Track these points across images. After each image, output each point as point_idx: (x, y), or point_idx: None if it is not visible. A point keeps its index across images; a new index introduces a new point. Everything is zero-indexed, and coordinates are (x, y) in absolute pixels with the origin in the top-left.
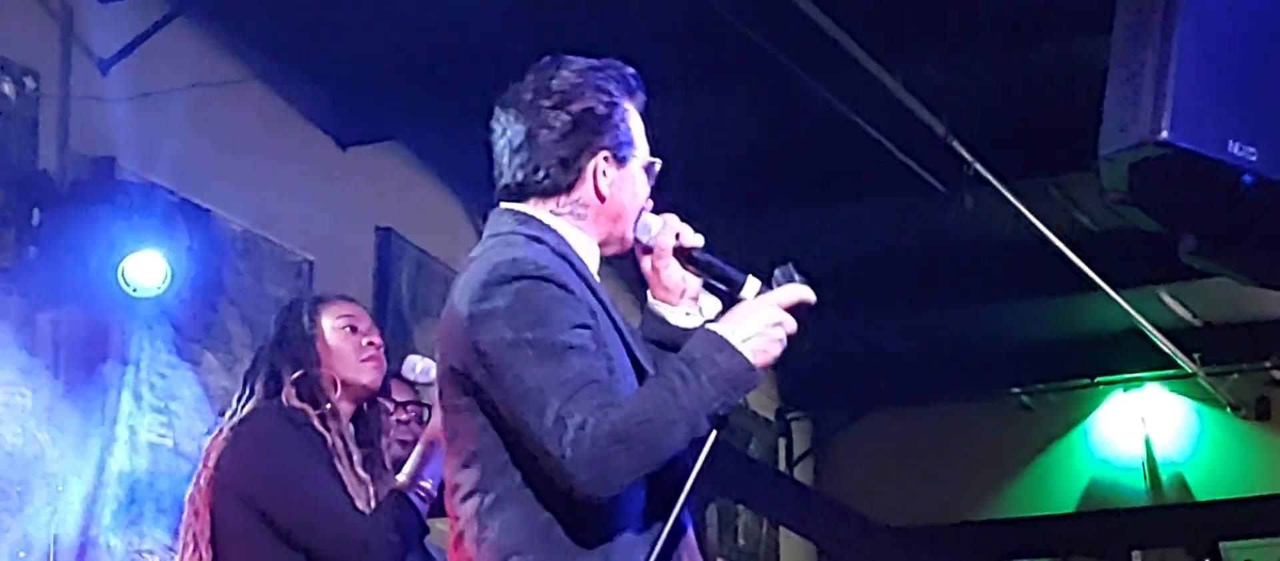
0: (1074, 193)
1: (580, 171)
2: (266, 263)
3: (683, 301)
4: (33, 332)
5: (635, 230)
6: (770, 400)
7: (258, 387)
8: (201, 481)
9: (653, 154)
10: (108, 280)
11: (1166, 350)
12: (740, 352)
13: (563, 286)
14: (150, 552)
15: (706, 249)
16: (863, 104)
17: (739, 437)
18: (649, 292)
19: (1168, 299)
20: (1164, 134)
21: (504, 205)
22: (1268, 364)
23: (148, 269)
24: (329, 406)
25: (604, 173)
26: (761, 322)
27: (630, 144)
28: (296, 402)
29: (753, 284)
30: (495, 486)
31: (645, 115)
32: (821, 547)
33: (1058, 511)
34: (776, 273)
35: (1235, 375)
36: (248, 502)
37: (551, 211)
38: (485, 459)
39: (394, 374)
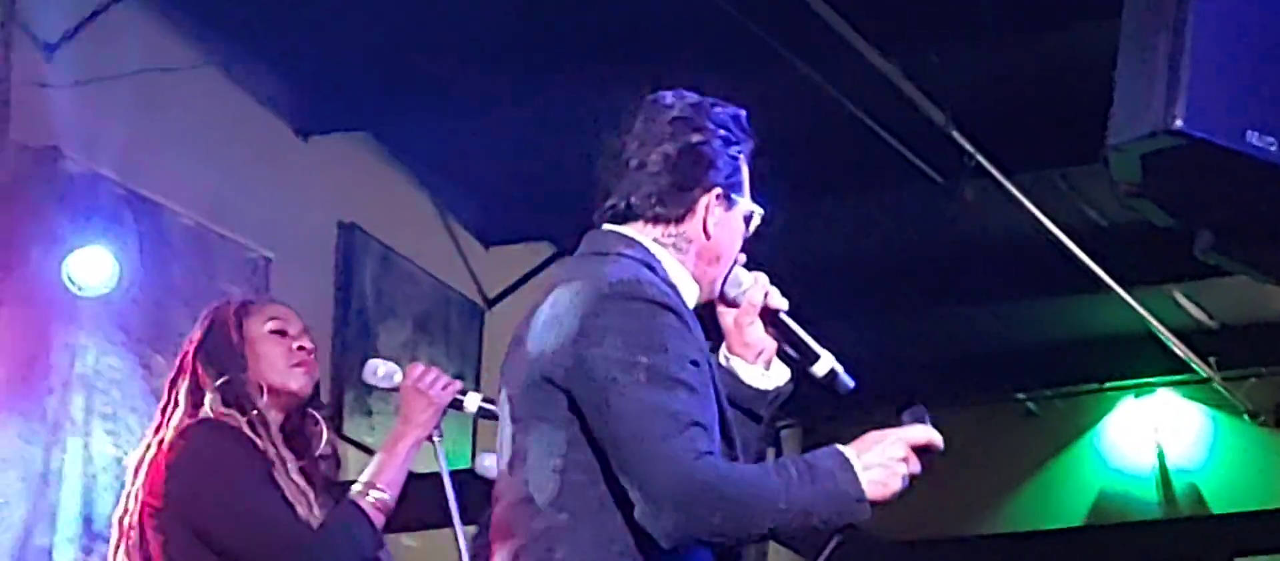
0: (1082, 186)
1: (691, 204)
2: (221, 259)
3: (758, 361)
4: None
5: (727, 285)
6: None
7: (181, 397)
8: (131, 503)
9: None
10: (50, 279)
11: (1180, 353)
12: (857, 479)
13: (680, 317)
14: None
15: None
16: (858, 91)
17: None
18: (723, 346)
19: (1182, 299)
20: (1178, 123)
21: (607, 226)
22: None
23: (94, 266)
24: (256, 413)
25: (713, 210)
26: (887, 456)
27: (741, 187)
28: (221, 409)
29: (827, 360)
30: (571, 506)
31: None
32: None
33: (1064, 524)
34: (905, 415)
35: (1253, 379)
36: (185, 524)
37: (655, 240)
38: (567, 476)
39: (356, 380)
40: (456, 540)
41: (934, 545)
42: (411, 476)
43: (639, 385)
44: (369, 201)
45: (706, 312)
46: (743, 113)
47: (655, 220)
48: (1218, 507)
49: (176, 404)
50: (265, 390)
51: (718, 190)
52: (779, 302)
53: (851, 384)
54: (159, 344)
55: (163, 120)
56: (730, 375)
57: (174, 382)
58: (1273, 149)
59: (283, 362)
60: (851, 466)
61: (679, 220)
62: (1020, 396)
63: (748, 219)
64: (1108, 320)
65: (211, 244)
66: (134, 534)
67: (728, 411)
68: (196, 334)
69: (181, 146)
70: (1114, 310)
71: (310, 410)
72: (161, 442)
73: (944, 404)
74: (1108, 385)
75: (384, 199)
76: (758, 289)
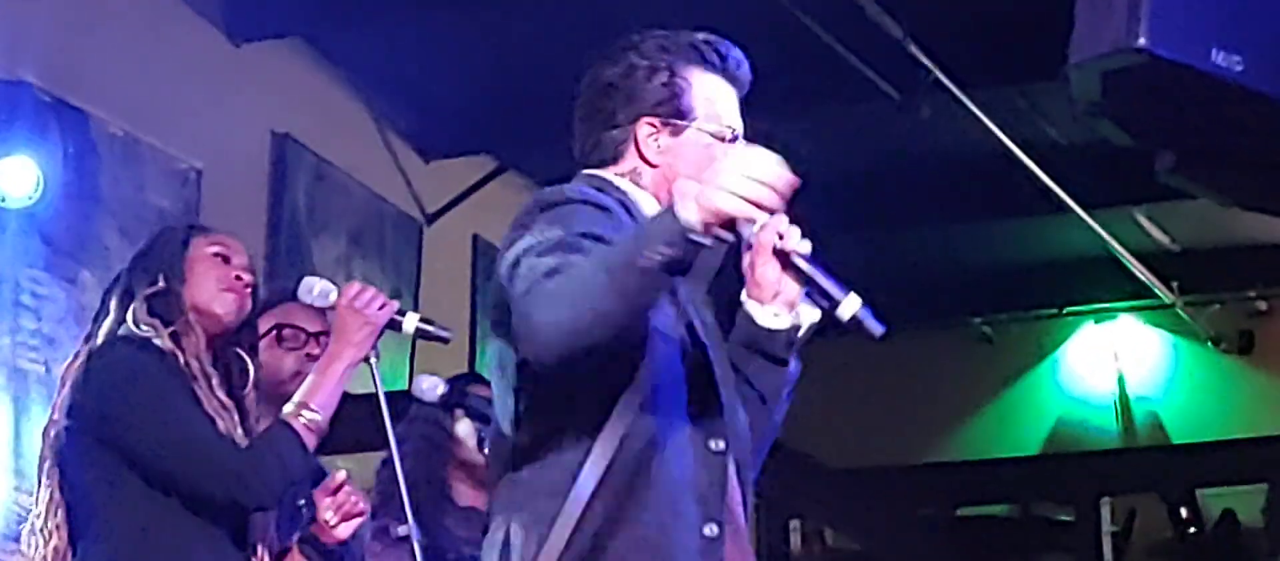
0: (1042, 103)
1: (624, 141)
2: (149, 170)
3: (774, 302)
4: None
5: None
6: None
7: (113, 305)
8: (56, 414)
9: (564, 60)
10: None
11: (1142, 277)
12: (670, 208)
13: (599, 206)
14: (16, 489)
15: (812, 257)
16: (809, 2)
17: None
18: (743, 291)
19: (1143, 221)
20: (1141, 40)
21: (583, 171)
22: (1251, 293)
23: (16, 176)
24: (181, 324)
25: (648, 141)
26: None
27: (683, 111)
28: (145, 318)
29: (852, 301)
30: (523, 435)
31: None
32: (760, 492)
33: (1020, 453)
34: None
35: (1216, 305)
36: (100, 440)
37: (618, 175)
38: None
39: (289, 296)
40: (392, 463)
41: (886, 473)
42: (346, 398)
43: (532, 253)
44: (303, 111)
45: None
46: (705, 39)
47: (604, 162)
48: (1178, 436)
49: (108, 311)
50: (192, 309)
51: (647, 119)
52: (797, 245)
53: (881, 328)
54: (84, 257)
55: (89, 25)
56: (746, 318)
57: (109, 290)
58: (1238, 68)
59: (215, 286)
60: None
61: (620, 157)
62: (976, 320)
63: (721, 137)
64: (1067, 242)
65: (140, 154)
66: (55, 446)
67: (706, 335)
68: (142, 245)
69: (109, 52)
70: (1074, 232)
71: (238, 349)
72: (87, 354)
73: (897, 327)
74: (1066, 310)
75: (319, 109)
76: (769, 231)
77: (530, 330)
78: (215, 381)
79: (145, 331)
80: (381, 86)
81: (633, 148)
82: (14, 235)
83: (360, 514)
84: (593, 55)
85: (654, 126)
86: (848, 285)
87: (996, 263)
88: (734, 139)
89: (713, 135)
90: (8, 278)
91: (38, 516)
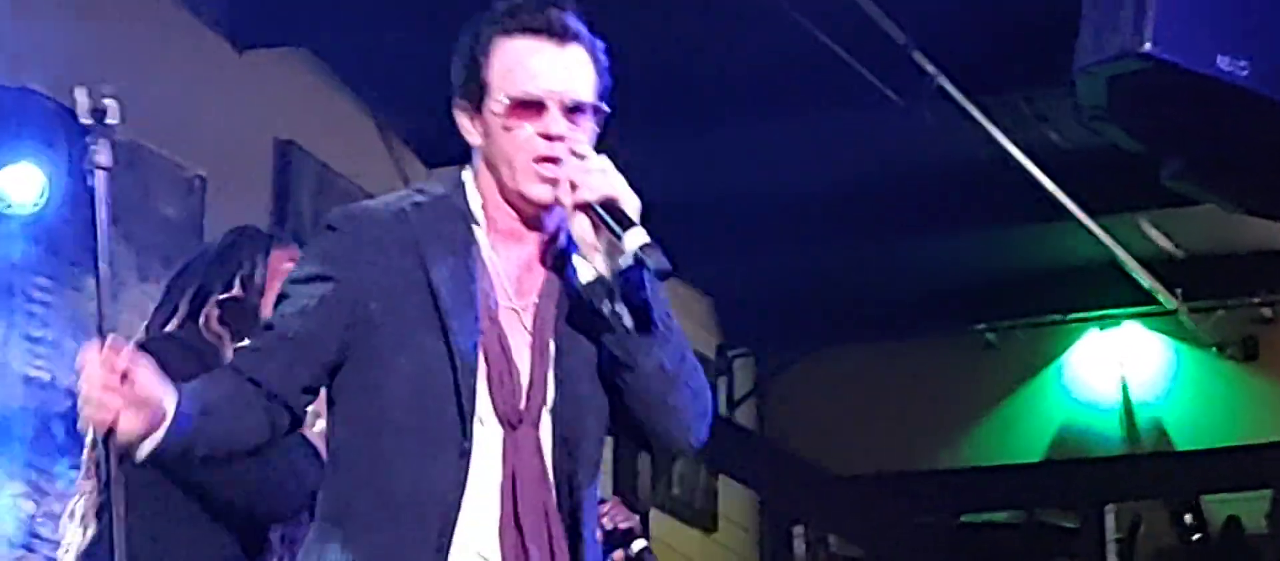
0: (1047, 109)
1: (460, 127)
2: (154, 177)
3: (591, 255)
4: None
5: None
6: (710, 335)
7: (182, 303)
8: None
9: None
10: None
11: (1146, 284)
12: None
13: (338, 231)
14: (25, 496)
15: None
16: (817, 9)
17: None
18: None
19: (1148, 228)
20: (1146, 46)
21: None
22: (1256, 300)
23: (22, 183)
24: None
25: (466, 124)
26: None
27: (481, 88)
28: (215, 327)
29: (635, 235)
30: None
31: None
32: (764, 498)
33: (1024, 460)
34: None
35: (1220, 312)
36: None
37: (469, 168)
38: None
39: None
40: None
41: (890, 479)
42: None
43: None
44: (307, 118)
45: None
46: (505, 4)
47: (462, 158)
48: (1182, 443)
49: (174, 308)
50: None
51: (457, 103)
52: (587, 194)
53: (666, 265)
54: (88, 264)
55: (93, 32)
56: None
57: (177, 284)
58: (1243, 73)
59: None
60: None
61: (466, 145)
62: (980, 328)
63: (517, 106)
64: (1071, 249)
65: (145, 161)
66: (95, 437)
67: (459, 329)
68: (215, 246)
69: (113, 60)
70: (1078, 239)
71: None
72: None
73: (902, 335)
74: (1071, 317)
75: (322, 115)
76: (562, 188)
77: None
78: None
79: (211, 339)
80: (385, 93)
81: (465, 134)
82: (20, 242)
83: None
84: None
85: (463, 109)
86: (852, 294)
87: (1000, 269)
88: (537, 102)
89: (508, 105)
90: (13, 285)
91: (80, 505)
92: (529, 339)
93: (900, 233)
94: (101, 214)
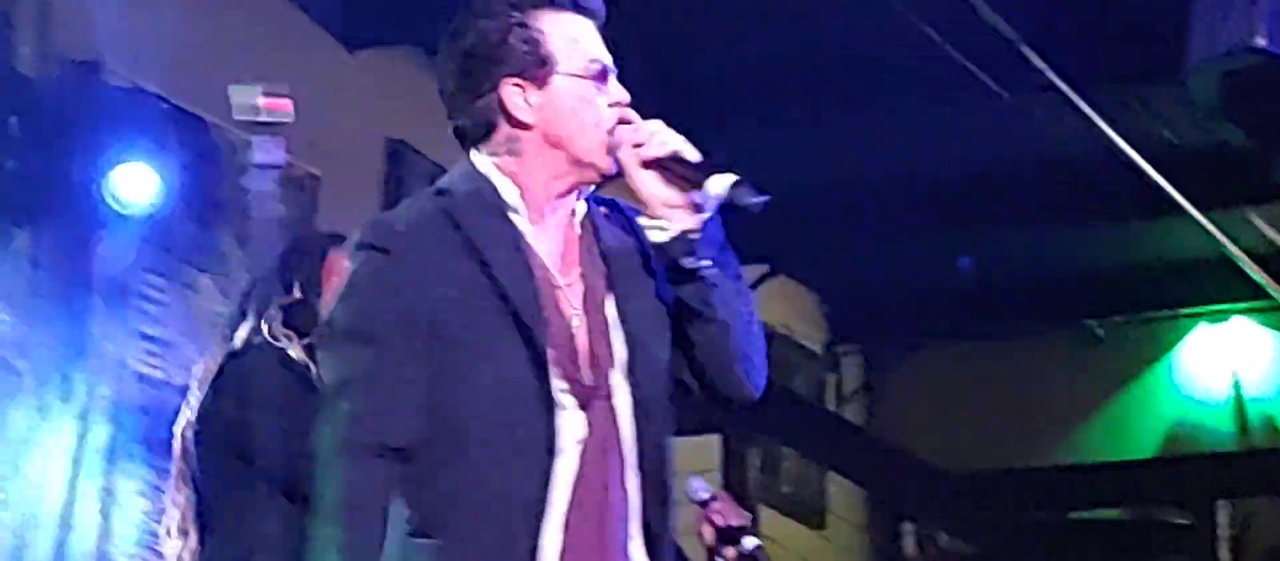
0: (1157, 104)
1: (493, 110)
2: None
3: (664, 212)
4: (8, 253)
5: (615, 150)
6: (818, 332)
7: (250, 312)
8: (190, 415)
9: (682, 58)
10: (92, 195)
11: (1257, 279)
12: None
13: (387, 252)
14: (140, 494)
15: (679, 159)
16: (926, 4)
17: (783, 373)
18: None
19: (1259, 222)
20: (1260, 40)
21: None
22: None
23: (136, 183)
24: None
25: (519, 101)
26: None
27: (543, 60)
28: (280, 329)
29: (722, 179)
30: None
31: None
32: (873, 494)
33: (1134, 456)
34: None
35: None
36: (232, 450)
37: (488, 155)
38: None
39: None
40: None
41: (999, 476)
42: None
43: (322, 344)
44: (418, 117)
45: None
46: None
47: (480, 140)
48: None
49: (243, 316)
50: None
51: (510, 80)
52: (658, 150)
53: (761, 198)
54: (203, 262)
55: (207, 32)
56: (654, 245)
57: (246, 295)
58: None
59: None
60: None
61: (492, 129)
62: (1089, 323)
63: (591, 77)
64: (1181, 244)
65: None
66: (188, 447)
67: (529, 318)
68: (276, 251)
69: (227, 60)
70: (1188, 233)
71: None
72: (223, 359)
73: (1010, 330)
74: (1181, 312)
75: (433, 115)
76: (626, 150)
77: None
78: None
79: (280, 342)
80: None
81: (502, 115)
82: (134, 241)
83: None
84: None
85: (519, 85)
86: (960, 288)
87: (1109, 264)
88: (604, 72)
89: (581, 75)
90: (128, 284)
91: (173, 517)
92: (583, 315)
93: (1009, 228)
94: (264, 211)
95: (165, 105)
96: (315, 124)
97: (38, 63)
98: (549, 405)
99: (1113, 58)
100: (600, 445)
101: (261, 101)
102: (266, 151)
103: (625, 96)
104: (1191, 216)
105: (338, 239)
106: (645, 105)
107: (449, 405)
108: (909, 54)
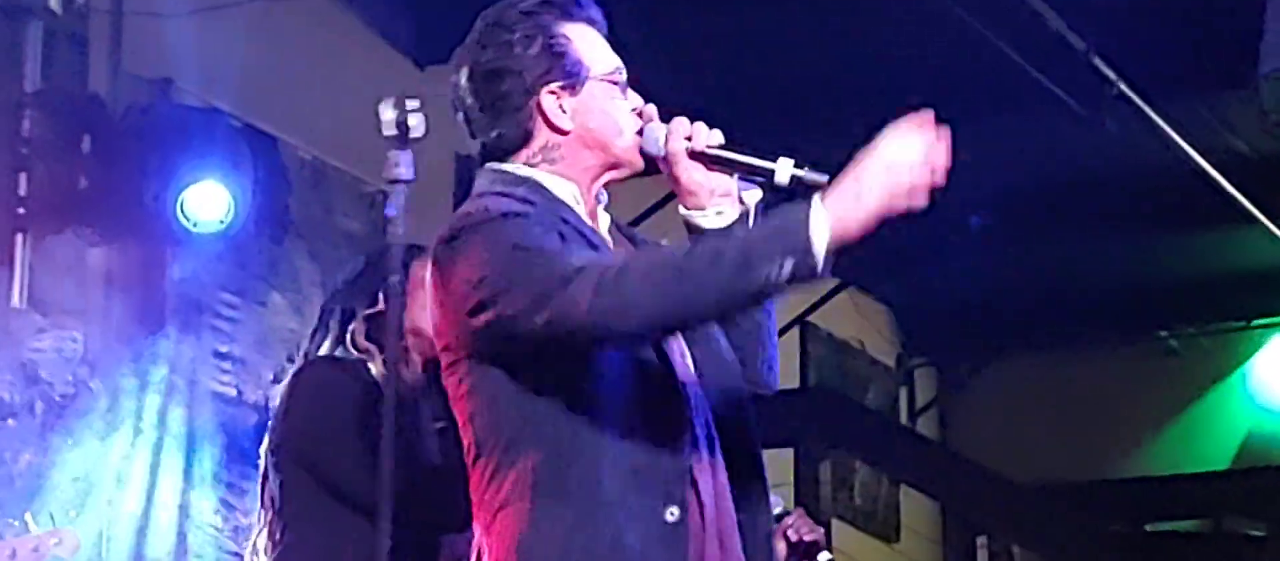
0: (1230, 115)
1: (528, 120)
2: (337, 194)
3: (714, 201)
4: (83, 272)
5: (645, 145)
6: (890, 345)
7: (332, 324)
8: (270, 435)
9: (752, 70)
10: (165, 214)
11: None
12: (804, 208)
13: (525, 217)
14: (214, 511)
15: (734, 144)
16: (992, 13)
17: (856, 386)
18: (680, 208)
19: None
20: None
21: (487, 166)
22: None
23: (208, 201)
24: (398, 351)
25: (553, 109)
26: (862, 172)
27: (575, 67)
28: (363, 342)
29: (785, 165)
30: (497, 455)
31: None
32: (947, 507)
33: (1209, 468)
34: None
35: None
36: (302, 463)
37: (526, 163)
38: (480, 421)
39: None
40: None
41: (1074, 488)
42: None
43: (521, 261)
44: None
45: None
46: None
47: (514, 148)
48: None
49: (326, 329)
50: (411, 333)
51: (547, 87)
52: (707, 138)
53: (822, 176)
54: (275, 280)
55: (279, 51)
56: (691, 229)
57: (328, 307)
58: None
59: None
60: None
61: (529, 138)
62: (1162, 334)
63: (611, 80)
64: (1255, 254)
65: (328, 177)
66: (267, 463)
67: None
68: (358, 265)
69: (298, 78)
70: (1262, 243)
71: None
72: (295, 372)
73: (1083, 343)
74: (1255, 323)
75: None
76: (676, 137)
77: (623, 303)
78: (424, 409)
79: (362, 355)
80: None
81: (540, 123)
82: (206, 259)
83: None
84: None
85: (555, 93)
86: (1033, 300)
87: (1183, 276)
88: (623, 77)
89: (609, 80)
90: (201, 302)
91: (259, 533)
92: None
93: (1081, 239)
94: (396, 228)
95: (237, 123)
96: (385, 141)
97: (110, 82)
98: (674, 384)
99: (1185, 68)
100: (705, 418)
101: (412, 118)
102: (406, 167)
103: (639, 100)
104: (1265, 226)
105: (419, 250)
106: (713, 116)
107: (580, 375)
108: (980, 67)
